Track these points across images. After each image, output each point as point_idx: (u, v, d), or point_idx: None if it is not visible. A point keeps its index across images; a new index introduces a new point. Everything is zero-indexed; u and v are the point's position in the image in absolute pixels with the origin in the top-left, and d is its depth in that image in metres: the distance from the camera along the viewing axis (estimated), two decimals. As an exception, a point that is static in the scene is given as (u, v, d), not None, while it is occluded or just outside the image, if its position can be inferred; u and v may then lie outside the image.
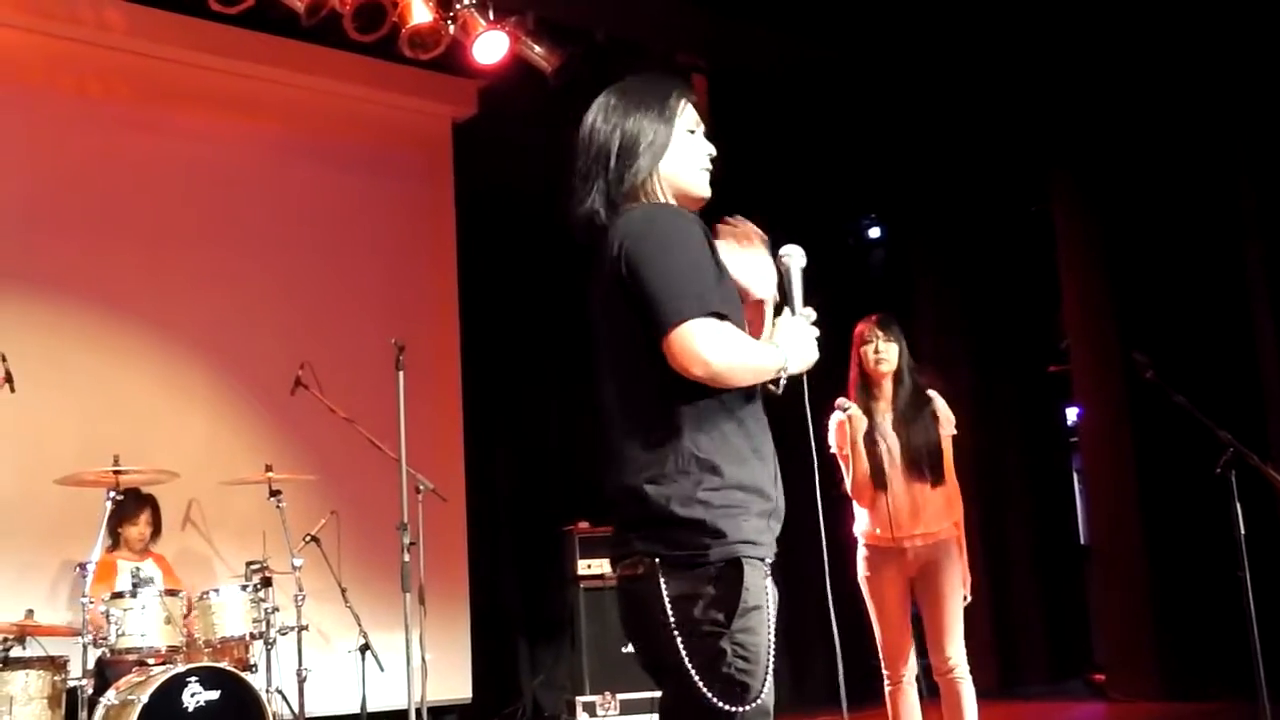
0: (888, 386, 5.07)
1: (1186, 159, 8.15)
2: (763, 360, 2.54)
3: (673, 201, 2.67)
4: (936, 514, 4.98)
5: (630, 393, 2.52)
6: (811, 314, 2.69)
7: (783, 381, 2.58)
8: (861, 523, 5.07)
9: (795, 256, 2.76)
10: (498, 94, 8.31)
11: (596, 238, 2.62)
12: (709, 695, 2.40)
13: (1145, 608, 8.28)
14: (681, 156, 2.70)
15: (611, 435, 2.54)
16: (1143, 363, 5.52)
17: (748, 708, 2.42)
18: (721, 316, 2.48)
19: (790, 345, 2.60)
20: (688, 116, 2.73)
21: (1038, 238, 9.13)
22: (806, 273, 2.73)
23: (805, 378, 2.64)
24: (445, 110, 8.60)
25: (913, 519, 4.95)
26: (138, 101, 7.52)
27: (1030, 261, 9.43)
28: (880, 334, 5.07)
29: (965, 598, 4.97)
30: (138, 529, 6.63)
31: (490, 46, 7.37)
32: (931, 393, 5.11)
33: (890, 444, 5.00)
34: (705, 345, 2.42)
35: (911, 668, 4.99)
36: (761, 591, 2.48)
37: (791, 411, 2.77)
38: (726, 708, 2.41)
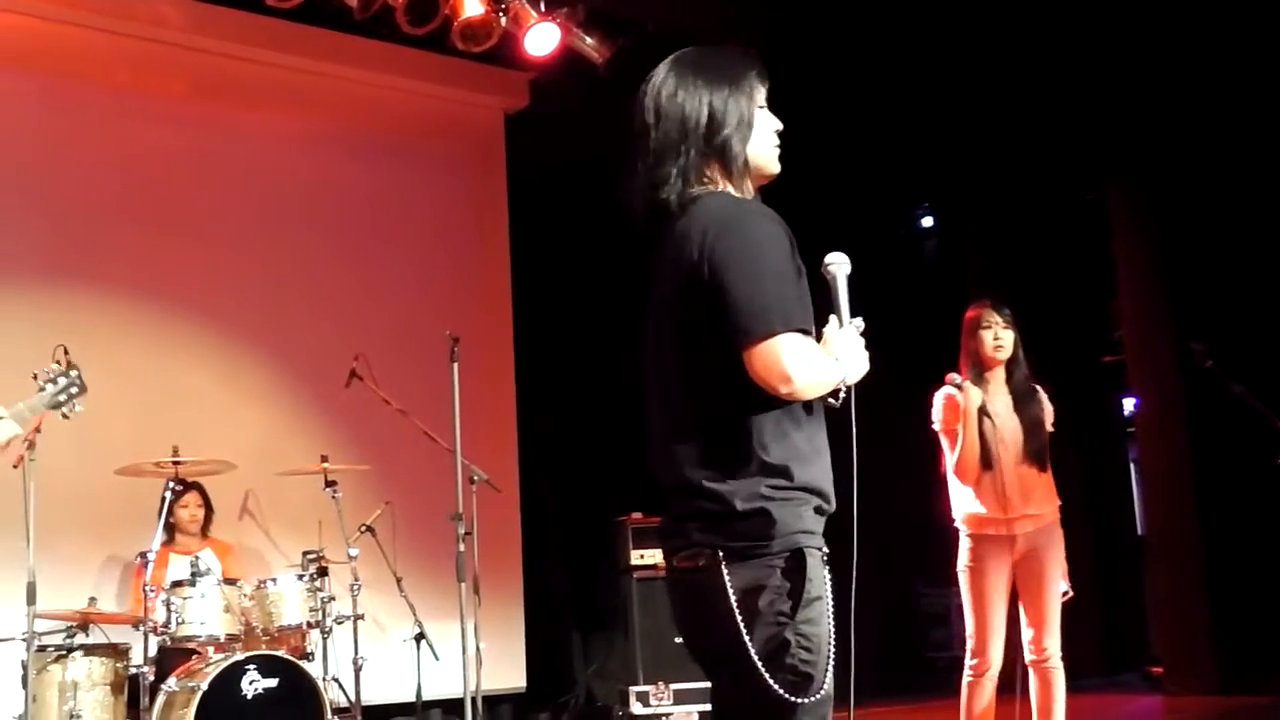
0: (1001, 372, 5.07)
1: (1244, 146, 8.04)
2: (832, 376, 2.54)
3: (749, 181, 2.62)
4: (1043, 498, 4.97)
5: (698, 390, 2.48)
6: (860, 324, 2.66)
7: (842, 394, 2.58)
8: (965, 505, 5.02)
9: (841, 265, 2.68)
10: (549, 86, 8.32)
11: (664, 222, 2.56)
12: (774, 686, 2.38)
13: (1202, 600, 8.19)
14: (761, 135, 2.65)
15: (674, 429, 2.51)
16: (1200, 352, 5.49)
17: (811, 699, 2.42)
18: (805, 332, 2.46)
19: (846, 358, 2.58)
20: (761, 93, 2.68)
21: (1092, 227, 9.04)
22: (851, 280, 2.68)
23: (854, 388, 2.62)
24: (497, 102, 8.62)
25: (1023, 501, 4.93)
26: (194, 97, 7.59)
27: (1084, 251, 9.35)
28: (999, 320, 5.06)
29: (1066, 592, 4.96)
30: (188, 511, 6.71)
31: (542, 38, 7.39)
32: (1037, 386, 5.12)
33: (1002, 425, 4.97)
34: (791, 363, 2.40)
35: (997, 662, 4.94)
36: (823, 582, 2.49)
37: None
38: (791, 698, 2.40)
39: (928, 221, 10.46)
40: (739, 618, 2.40)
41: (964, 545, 5.02)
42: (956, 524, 5.08)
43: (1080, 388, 9.55)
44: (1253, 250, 8.03)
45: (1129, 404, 9.46)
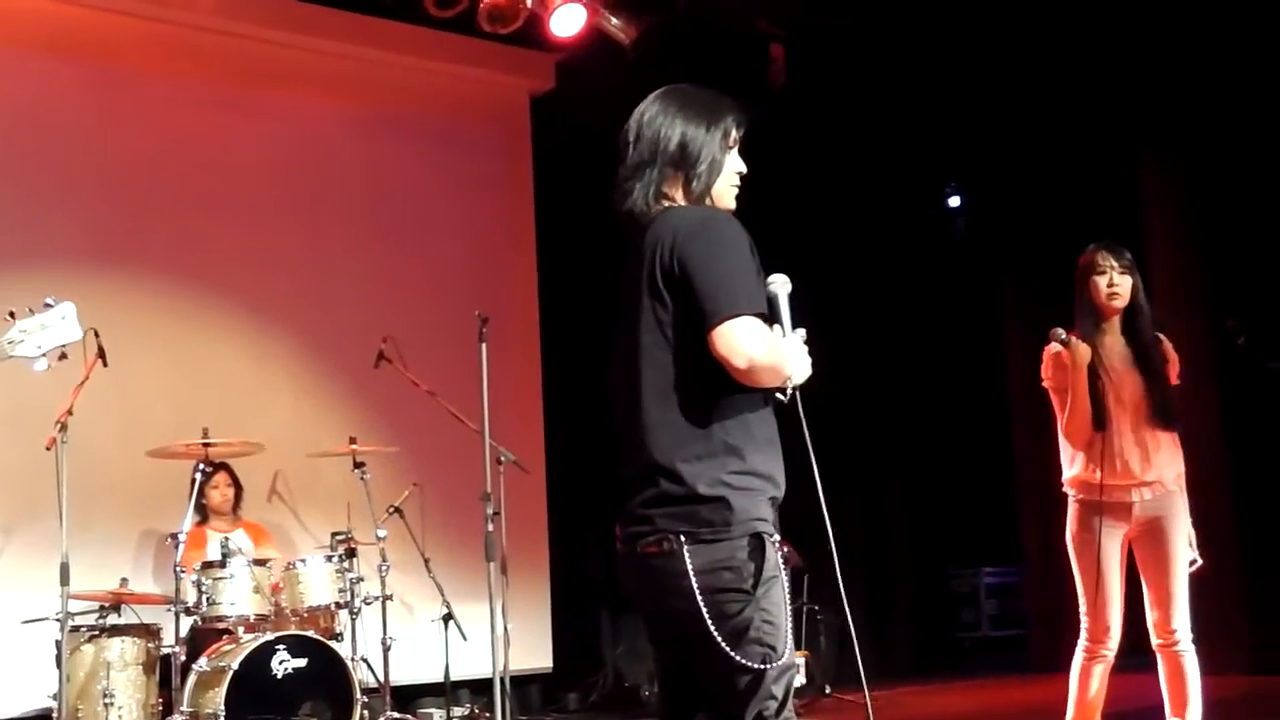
0: (1118, 322, 4.61)
1: (1275, 117, 7.95)
2: (784, 364, 2.70)
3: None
4: (1167, 462, 4.52)
5: (664, 380, 2.68)
6: (803, 333, 2.84)
7: (789, 391, 2.74)
8: (1076, 469, 4.59)
9: (782, 285, 2.86)
10: (575, 67, 8.30)
11: (635, 229, 2.80)
12: (737, 657, 2.59)
13: (1237, 579, 8.13)
14: (726, 175, 2.87)
15: (641, 420, 2.69)
16: (1236, 329, 5.31)
17: (775, 666, 2.64)
18: (764, 319, 2.67)
19: (794, 361, 2.74)
20: (734, 135, 2.89)
21: (1123, 205, 8.96)
22: (791, 298, 2.87)
23: (798, 391, 2.79)
24: (523, 84, 8.61)
25: (1143, 466, 4.49)
26: (224, 81, 7.62)
27: (1116, 230, 9.25)
28: (1115, 264, 4.60)
29: (1194, 560, 4.53)
30: (219, 492, 6.75)
31: (568, 19, 7.37)
32: (1161, 335, 4.66)
33: (1119, 381, 4.52)
34: (749, 341, 2.60)
35: (1115, 639, 4.56)
36: (777, 564, 2.67)
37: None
38: (758, 666, 2.62)
39: (955, 201, 10.40)
40: (699, 598, 2.59)
41: (1071, 512, 4.60)
42: (1065, 488, 4.65)
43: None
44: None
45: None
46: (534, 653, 7.90)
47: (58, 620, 5.57)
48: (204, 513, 6.68)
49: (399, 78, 8.15)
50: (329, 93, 7.96)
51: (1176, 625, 4.50)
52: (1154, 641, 4.56)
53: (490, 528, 5.86)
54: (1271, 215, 8.03)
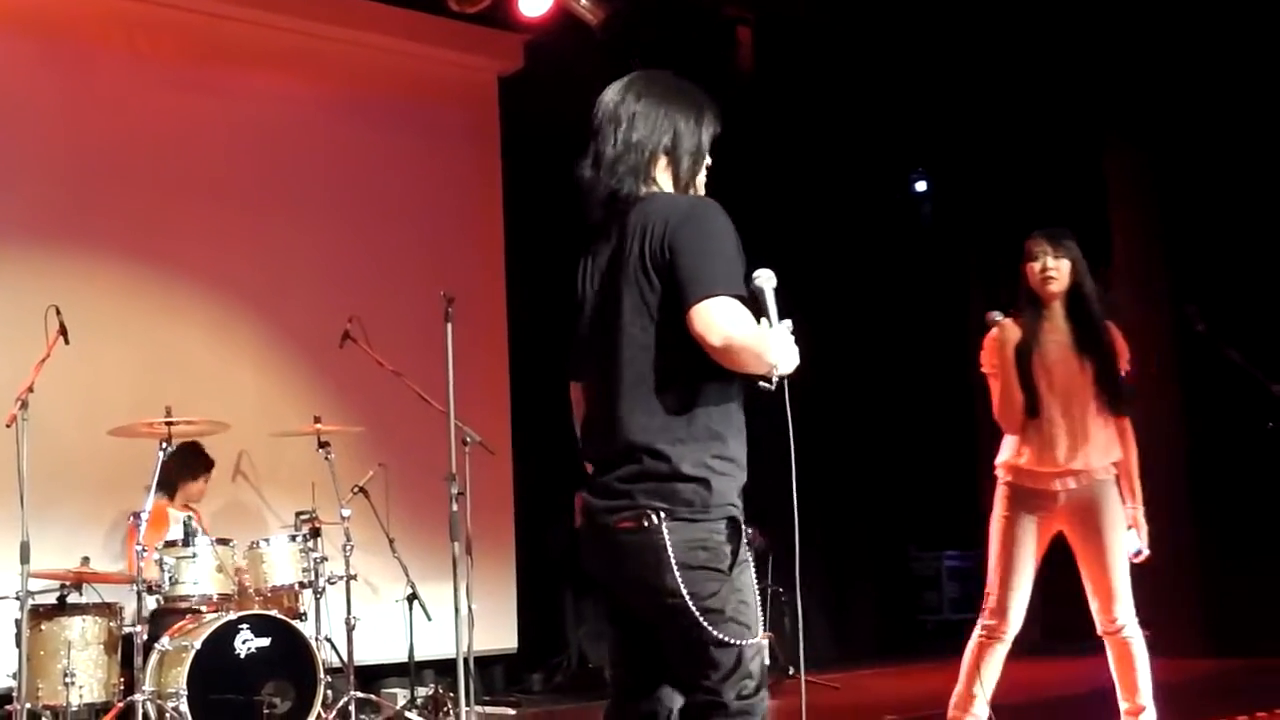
0: (1058, 309, 4.59)
1: (1241, 112, 8.02)
2: (765, 349, 2.71)
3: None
4: (1100, 450, 4.50)
5: (647, 363, 2.72)
6: (789, 324, 2.84)
7: (774, 380, 2.75)
8: (1006, 453, 4.59)
9: (767, 279, 2.87)
10: (544, 48, 8.28)
11: (615, 212, 2.84)
12: (718, 634, 2.66)
13: (1193, 563, 8.23)
14: (703, 168, 2.95)
15: (622, 398, 2.73)
16: (1194, 315, 5.33)
17: (750, 643, 2.72)
18: (745, 303, 2.72)
19: (781, 351, 2.76)
20: (712, 131, 2.96)
21: (1088, 192, 9.02)
22: (777, 291, 2.87)
23: (786, 380, 2.80)
24: (491, 64, 8.57)
25: (1070, 454, 4.48)
26: (185, 58, 7.55)
27: (1080, 215, 9.31)
28: (1049, 249, 4.57)
29: (1140, 552, 4.52)
30: (198, 485, 6.79)
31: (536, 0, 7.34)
32: (1110, 323, 4.63)
33: (1051, 368, 4.51)
34: (726, 320, 2.64)
35: (1015, 625, 4.57)
36: (747, 548, 2.78)
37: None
38: (735, 642, 2.69)
39: (921, 186, 10.44)
40: (677, 573, 2.65)
41: (998, 494, 4.60)
42: (996, 470, 4.65)
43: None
44: (1249, 215, 8.03)
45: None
46: (498, 633, 7.91)
47: (17, 599, 5.54)
48: (172, 491, 6.66)
49: (366, 57, 8.09)
50: (293, 72, 7.90)
51: (1118, 613, 4.50)
52: (1099, 629, 4.57)
53: (455, 508, 5.86)
54: (1233, 204, 8.12)
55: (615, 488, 2.72)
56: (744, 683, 2.72)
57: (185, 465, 6.69)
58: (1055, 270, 4.57)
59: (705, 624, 2.65)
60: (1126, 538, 4.53)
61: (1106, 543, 4.50)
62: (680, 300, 2.66)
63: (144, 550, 5.80)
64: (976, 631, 4.62)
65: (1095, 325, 4.60)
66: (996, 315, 4.58)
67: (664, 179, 2.87)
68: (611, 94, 2.91)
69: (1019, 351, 4.52)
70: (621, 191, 2.83)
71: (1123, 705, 4.60)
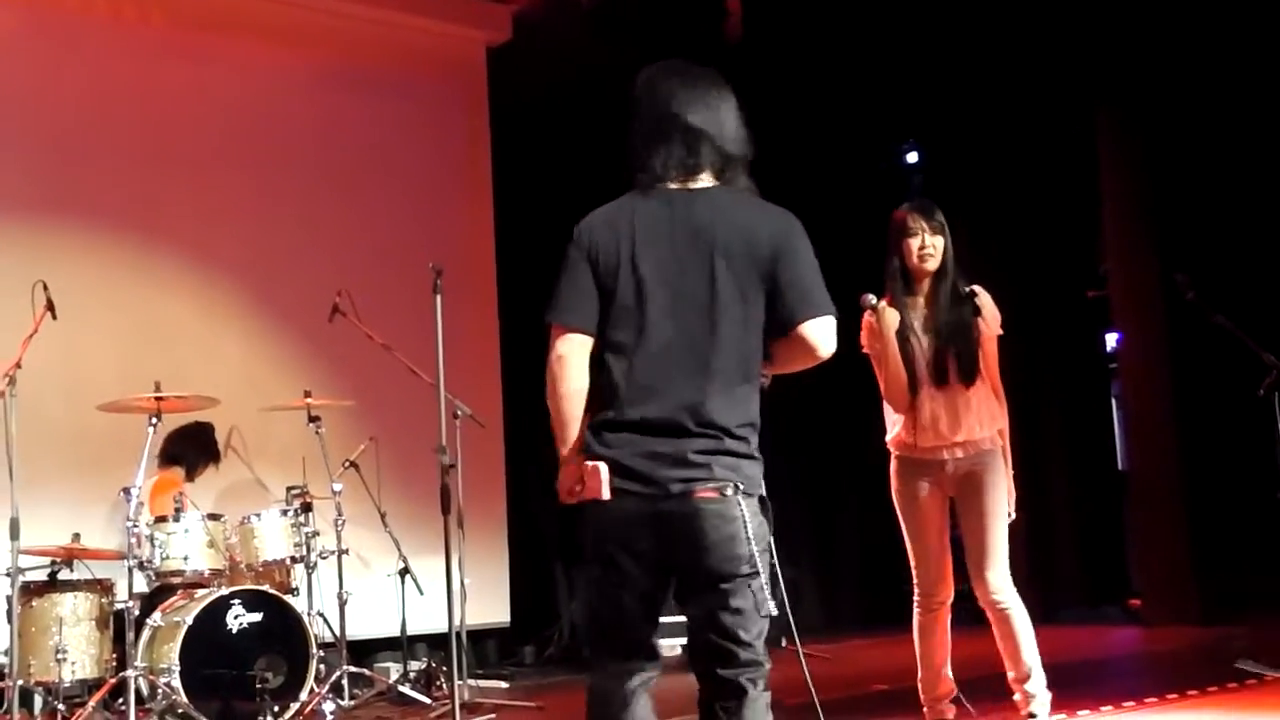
0: (928, 285, 4.62)
1: (1232, 81, 8.00)
2: None
3: None
4: (980, 421, 4.52)
5: (736, 349, 2.92)
6: None
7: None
8: (893, 430, 4.65)
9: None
10: (532, 19, 8.24)
11: (681, 192, 2.99)
12: (770, 600, 2.90)
13: (1183, 533, 8.26)
14: None
15: (710, 375, 2.90)
16: (1184, 283, 5.32)
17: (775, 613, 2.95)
18: None
19: None
20: None
21: (1078, 161, 9.01)
22: None
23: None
24: (479, 35, 8.54)
25: (952, 427, 4.50)
26: (172, 29, 7.50)
27: (1070, 186, 9.31)
28: (926, 225, 4.57)
29: (1010, 514, 4.55)
30: (206, 470, 6.85)
31: (524, -31, 7.30)
32: (977, 289, 4.64)
33: (928, 347, 4.56)
34: (834, 336, 2.97)
35: (945, 590, 4.61)
36: None
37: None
38: (774, 612, 2.92)
39: (912, 157, 10.40)
40: (753, 544, 2.87)
41: (892, 469, 4.66)
42: (887, 445, 4.71)
43: (1066, 323, 9.57)
44: (1239, 185, 8.02)
45: (1111, 339, 9.48)
46: (491, 607, 7.92)
47: (8, 575, 5.53)
48: (190, 469, 6.74)
49: (354, 28, 8.04)
50: (282, 43, 7.85)
51: (993, 579, 4.50)
52: (979, 600, 4.57)
53: (446, 481, 5.85)
54: (1224, 174, 8.11)
55: (693, 459, 2.87)
56: (765, 647, 2.94)
57: (203, 449, 6.74)
58: (932, 248, 4.59)
59: (763, 593, 2.88)
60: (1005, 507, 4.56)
61: (989, 509, 4.52)
62: (793, 307, 2.90)
63: (134, 525, 5.79)
64: (914, 610, 4.68)
65: (958, 297, 4.60)
66: (871, 299, 4.59)
67: (738, 177, 3.06)
68: (674, 83, 3.07)
69: (898, 334, 4.57)
70: (697, 182, 3.00)
71: (1009, 674, 4.62)
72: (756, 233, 2.94)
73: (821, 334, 2.92)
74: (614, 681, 2.98)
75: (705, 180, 3.02)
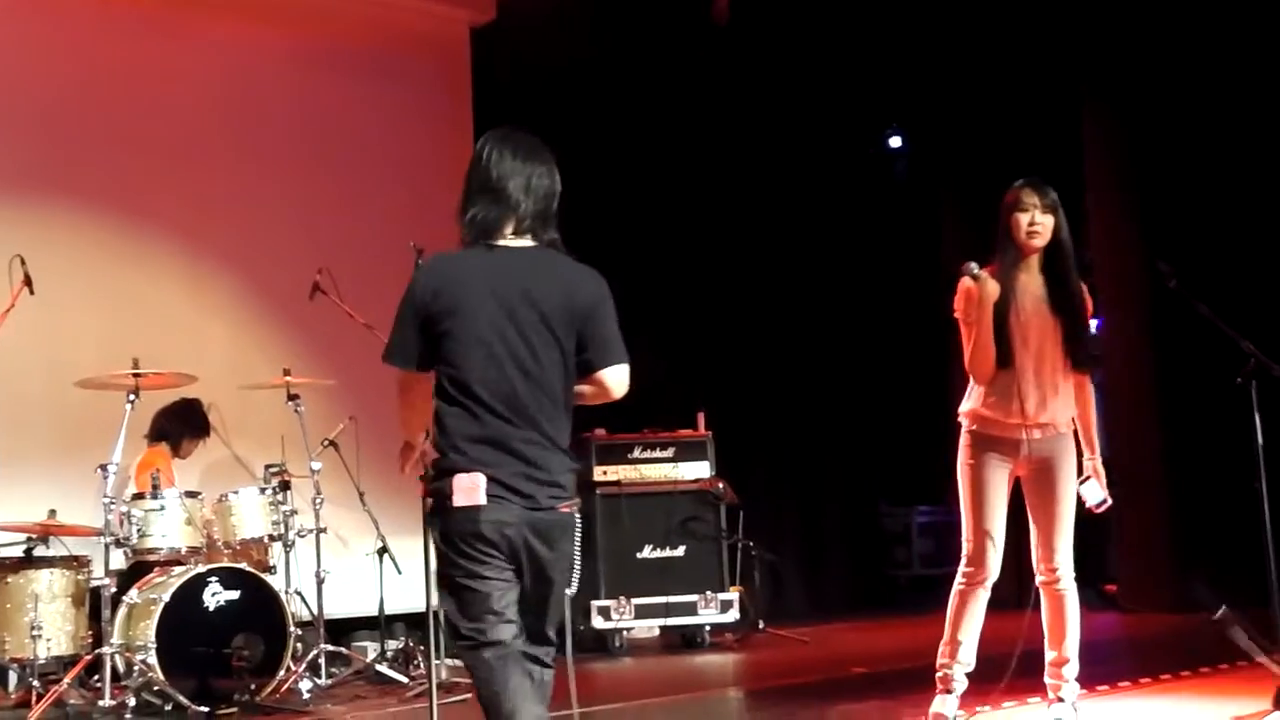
0: (1036, 261, 4.59)
1: (1217, 70, 8.01)
2: None
3: None
4: (1064, 405, 4.55)
5: (559, 387, 3.36)
6: None
7: None
8: (973, 401, 4.61)
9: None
10: (516, -1, 8.20)
11: (507, 248, 3.43)
12: (574, 588, 3.53)
13: (1162, 520, 8.29)
14: None
15: (550, 406, 3.35)
16: (1166, 272, 5.31)
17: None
18: None
19: None
20: None
21: (1064, 149, 9.01)
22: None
23: None
24: (463, 15, 8.51)
25: (1039, 408, 4.50)
26: (154, 6, 7.44)
27: (1055, 172, 9.30)
28: (1039, 203, 4.54)
29: (1104, 500, 4.61)
30: (195, 444, 6.84)
31: (509, -52, 7.26)
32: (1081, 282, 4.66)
33: (1026, 322, 4.51)
34: (627, 380, 3.44)
35: (993, 573, 4.60)
36: None
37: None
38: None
39: (896, 142, 10.41)
40: (579, 545, 3.49)
41: (962, 442, 4.61)
42: (960, 418, 4.68)
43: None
44: (1223, 173, 8.03)
45: (1092, 325, 9.48)
46: (469, 587, 7.89)
47: (-17, 551, 5.51)
48: (176, 444, 6.75)
49: (337, 7, 8.01)
50: (265, 21, 7.80)
51: (1058, 563, 4.58)
52: (1037, 579, 4.64)
53: (426, 462, 5.82)
54: (1207, 162, 8.11)
55: (559, 480, 3.35)
56: None
57: (189, 423, 6.72)
58: (1042, 225, 4.55)
59: (574, 581, 3.51)
60: (1088, 488, 4.61)
61: (1059, 495, 4.57)
62: (605, 354, 3.37)
63: (111, 502, 5.76)
64: (957, 580, 4.67)
65: (1070, 282, 4.61)
66: (974, 267, 4.55)
67: (552, 232, 3.47)
68: (509, 138, 3.60)
69: (996, 306, 4.50)
70: (530, 239, 3.43)
71: (1049, 655, 4.66)
72: (575, 292, 3.37)
73: (621, 379, 3.42)
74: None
75: (527, 240, 3.43)
